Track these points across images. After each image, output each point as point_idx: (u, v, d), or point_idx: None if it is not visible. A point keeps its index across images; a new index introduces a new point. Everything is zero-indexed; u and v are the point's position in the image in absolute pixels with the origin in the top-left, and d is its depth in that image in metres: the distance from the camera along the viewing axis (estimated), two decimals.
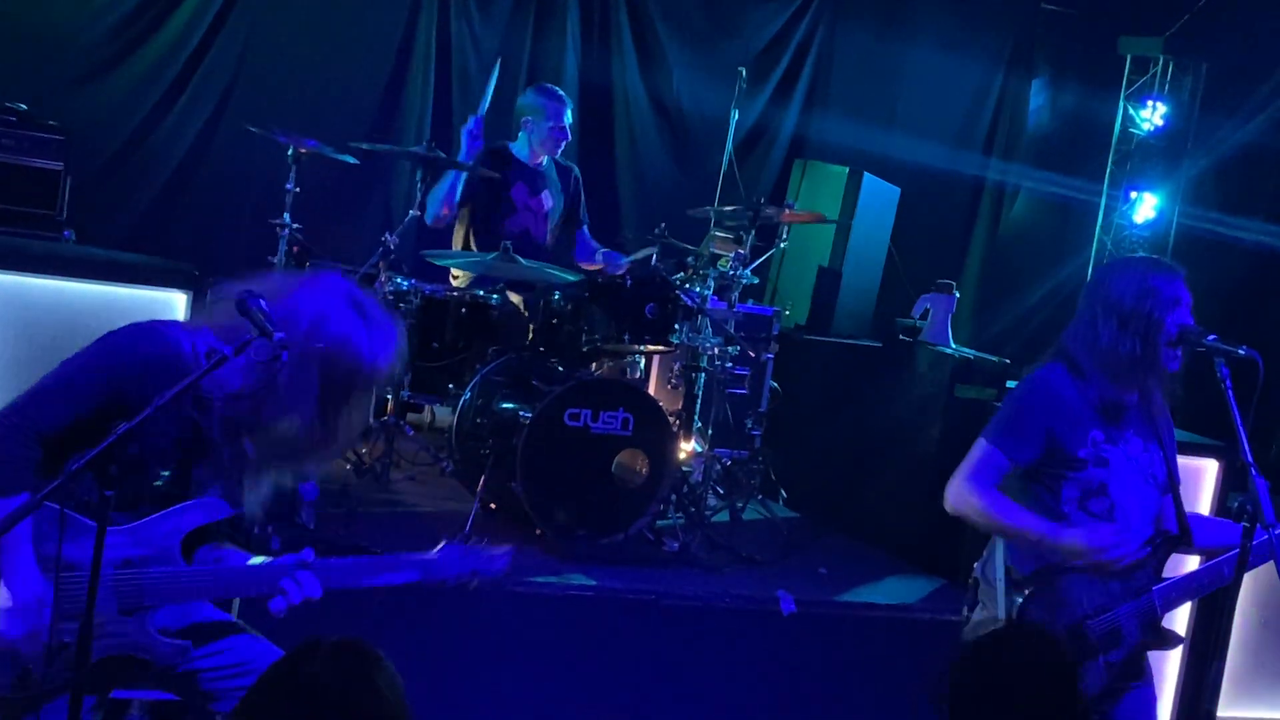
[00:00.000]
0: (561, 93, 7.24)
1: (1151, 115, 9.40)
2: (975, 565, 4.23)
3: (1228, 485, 6.10)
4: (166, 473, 3.40)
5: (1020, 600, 4.04)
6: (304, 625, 4.86)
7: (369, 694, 2.40)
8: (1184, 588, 4.13)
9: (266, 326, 3.14)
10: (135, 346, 3.35)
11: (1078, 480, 4.09)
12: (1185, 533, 4.15)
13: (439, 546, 3.57)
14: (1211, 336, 3.97)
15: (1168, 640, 4.17)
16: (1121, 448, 4.11)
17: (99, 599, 3.11)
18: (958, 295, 7.46)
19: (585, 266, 7.26)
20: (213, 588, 3.43)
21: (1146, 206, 9.46)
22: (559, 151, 7.22)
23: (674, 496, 6.24)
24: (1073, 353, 4.12)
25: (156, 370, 3.27)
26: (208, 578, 3.42)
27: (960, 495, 4.11)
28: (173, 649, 3.47)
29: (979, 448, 4.14)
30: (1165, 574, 4.14)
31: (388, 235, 6.28)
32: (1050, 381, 4.13)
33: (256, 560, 3.50)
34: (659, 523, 6.19)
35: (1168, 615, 4.14)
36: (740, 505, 6.75)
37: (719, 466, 6.75)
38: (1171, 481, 4.16)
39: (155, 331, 3.39)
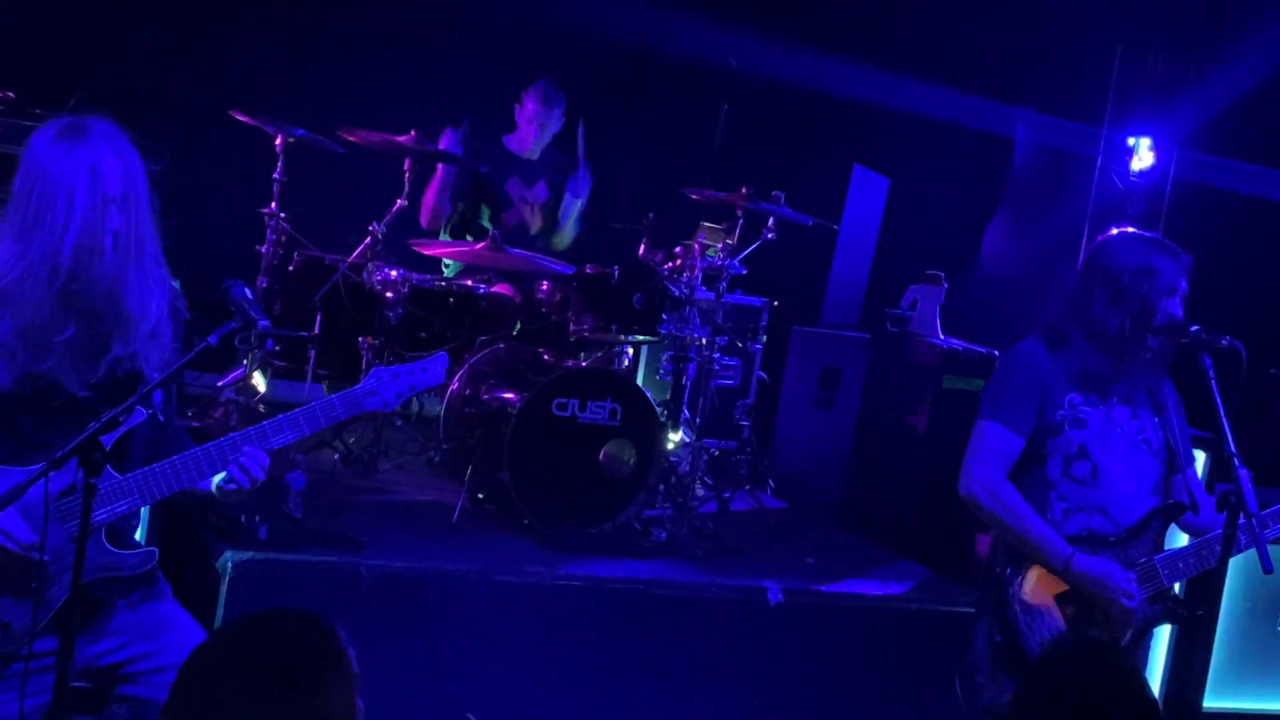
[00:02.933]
0: (553, 93, 7.19)
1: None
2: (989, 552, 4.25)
3: (1215, 477, 6.10)
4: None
5: (1011, 570, 4.07)
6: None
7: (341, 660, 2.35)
8: (1190, 556, 4.13)
9: (249, 314, 3.15)
10: None
11: (1058, 446, 4.10)
12: (1195, 505, 4.16)
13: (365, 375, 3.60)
14: (1195, 328, 3.99)
15: (1185, 611, 4.17)
16: (1103, 411, 4.12)
17: (49, 534, 3.24)
18: (946, 286, 7.46)
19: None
20: (150, 488, 3.41)
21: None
22: (534, 149, 7.21)
23: (662, 487, 6.25)
24: (1061, 319, 4.14)
25: None
26: (143, 479, 3.41)
27: (981, 485, 4.07)
28: (140, 556, 3.51)
29: (982, 431, 4.14)
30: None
31: (375, 225, 6.29)
32: (1026, 351, 4.18)
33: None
34: (646, 513, 6.19)
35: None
36: (728, 495, 6.76)
37: (707, 457, 6.75)
38: (1169, 450, 4.16)
39: None
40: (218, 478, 3.46)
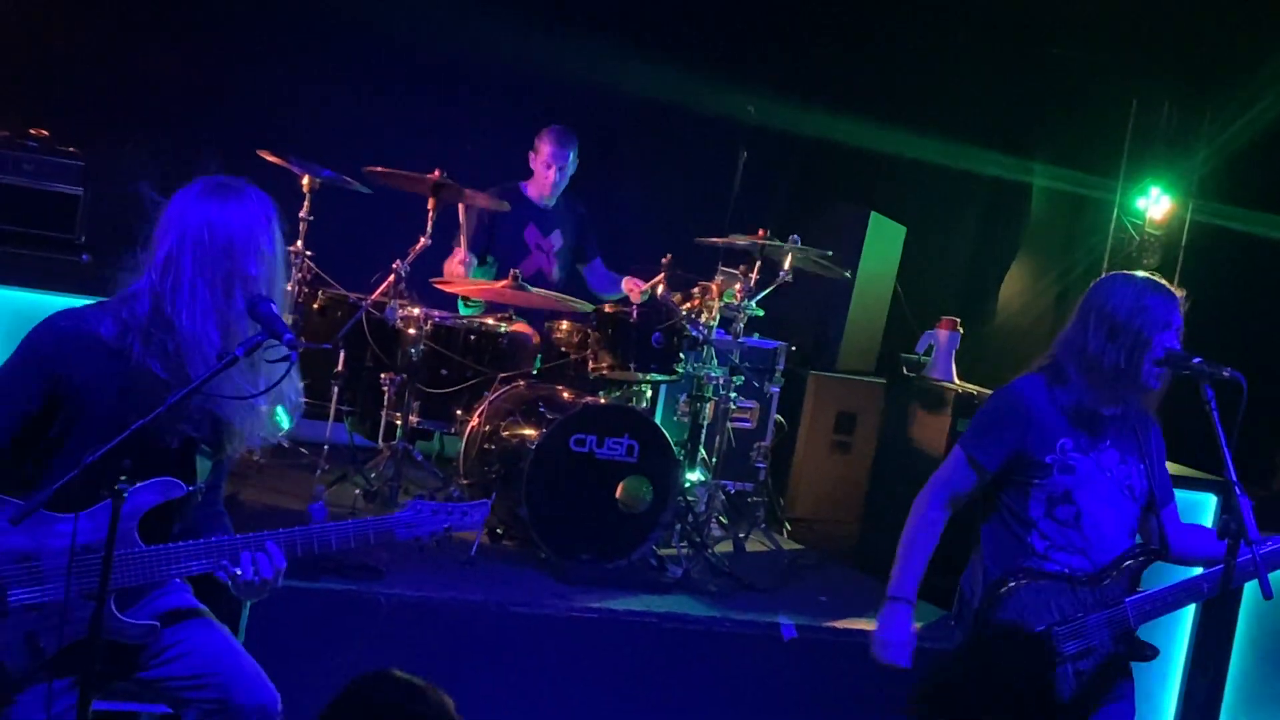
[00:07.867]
0: (566, 135, 7.34)
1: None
2: (962, 577, 4.31)
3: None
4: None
5: (985, 605, 4.12)
6: (295, 642, 4.95)
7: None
8: (1159, 600, 4.18)
9: (277, 329, 3.24)
10: (52, 329, 3.47)
11: (1044, 487, 4.16)
12: (1165, 547, 4.22)
13: (405, 504, 3.65)
14: (1197, 359, 4.05)
15: (1143, 652, 4.21)
16: (1093, 457, 4.18)
17: (59, 586, 3.28)
18: (961, 331, 7.53)
19: (605, 297, 7.37)
20: (168, 567, 3.45)
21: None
22: (553, 192, 7.33)
23: (678, 525, 6.31)
24: (1059, 357, 4.21)
25: (80, 346, 3.42)
26: (163, 556, 3.44)
27: (920, 503, 4.26)
28: (141, 629, 3.52)
29: (951, 457, 4.28)
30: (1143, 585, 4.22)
31: (399, 263, 6.39)
32: (1023, 390, 4.23)
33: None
34: (662, 550, 6.26)
35: (1150, 626, 4.20)
36: (743, 535, 6.81)
37: (723, 497, 6.81)
38: (1152, 495, 4.22)
39: (67, 313, 3.51)
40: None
